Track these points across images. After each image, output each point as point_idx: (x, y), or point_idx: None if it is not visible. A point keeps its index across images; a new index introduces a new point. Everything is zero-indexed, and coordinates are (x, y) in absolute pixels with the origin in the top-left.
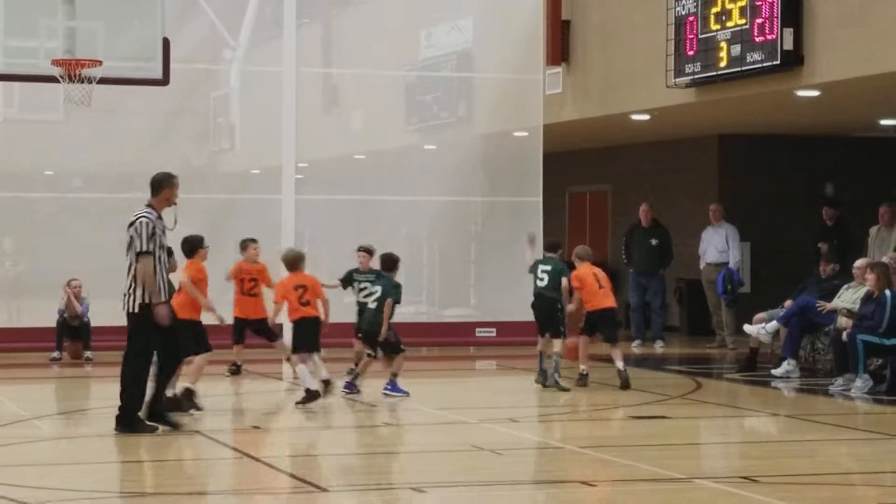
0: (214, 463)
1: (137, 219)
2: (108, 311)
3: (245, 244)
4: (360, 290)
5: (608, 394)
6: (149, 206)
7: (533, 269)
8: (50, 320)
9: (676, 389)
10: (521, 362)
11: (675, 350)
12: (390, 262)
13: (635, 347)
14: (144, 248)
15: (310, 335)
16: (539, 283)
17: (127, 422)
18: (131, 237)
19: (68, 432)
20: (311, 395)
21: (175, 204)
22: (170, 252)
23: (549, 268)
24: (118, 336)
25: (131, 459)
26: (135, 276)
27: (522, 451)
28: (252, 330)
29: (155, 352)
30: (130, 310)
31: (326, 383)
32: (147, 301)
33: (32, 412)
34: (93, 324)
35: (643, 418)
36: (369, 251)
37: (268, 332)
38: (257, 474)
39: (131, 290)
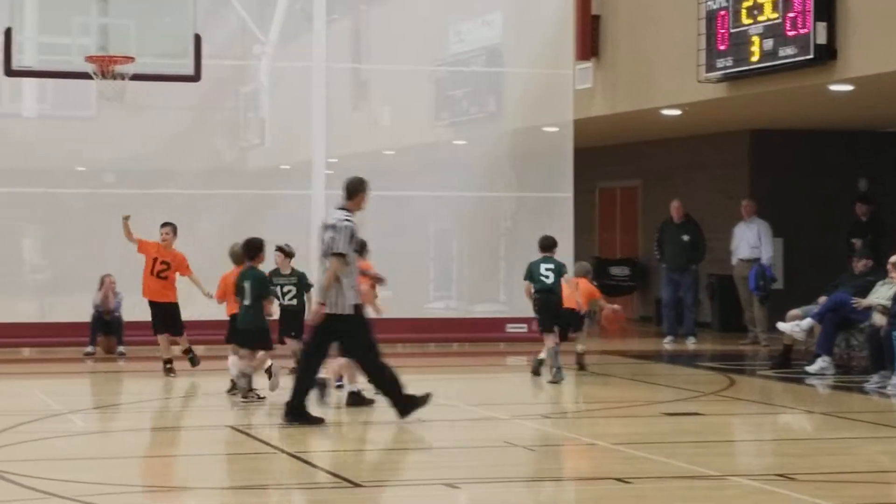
0: (249, 458)
1: (340, 221)
2: (140, 307)
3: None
4: (284, 293)
5: (641, 390)
6: (343, 209)
7: (533, 270)
8: (82, 315)
9: (709, 386)
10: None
11: (708, 346)
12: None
13: (667, 343)
14: (342, 250)
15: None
16: (545, 281)
17: (406, 407)
18: (332, 238)
19: (102, 427)
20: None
21: (363, 209)
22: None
23: (552, 266)
24: (150, 332)
25: (165, 454)
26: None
27: (555, 447)
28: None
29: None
30: (343, 311)
31: (233, 383)
32: (357, 301)
33: (67, 406)
34: (125, 319)
35: (676, 415)
36: (284, 251)
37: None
38: (292, 469)
39: (341, 292)
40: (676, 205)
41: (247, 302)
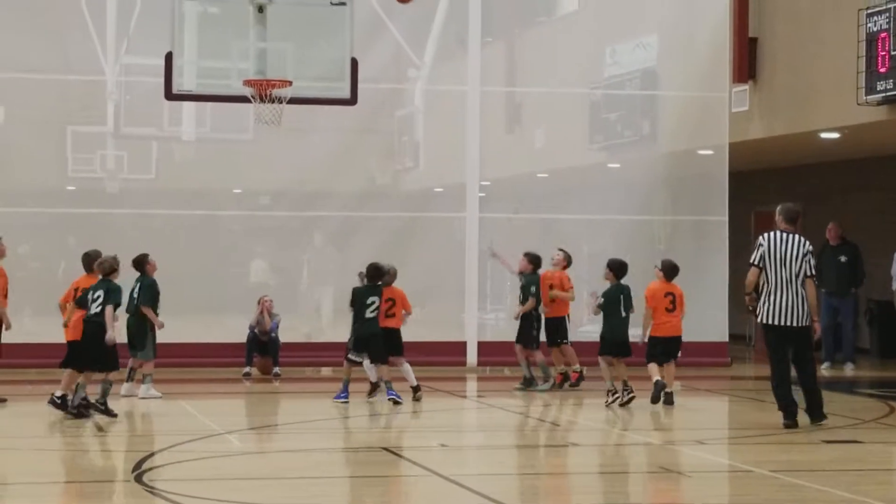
0: (404, 480)
1: (808, 246)
2: (294, 328)
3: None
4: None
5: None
6: (793, 232)
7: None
8: (239, 336)
9: (869, 413)
10: (706, 383)
11: (867, 373)
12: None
13: (825, 370)
14: (814, 273)
15: (393, 343)
16: None
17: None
18: (810, 263)
19: (259, 447)
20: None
21: None
22: None
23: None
24: (305, 352)
25: (320, 475)
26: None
27: (711, 473)
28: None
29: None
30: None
31: (415, 389)
32: None
33: (224, 427)
34: (281, 340)
35: (835, 442)
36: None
37: None
38: (446, 492)
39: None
40: (832, 227)
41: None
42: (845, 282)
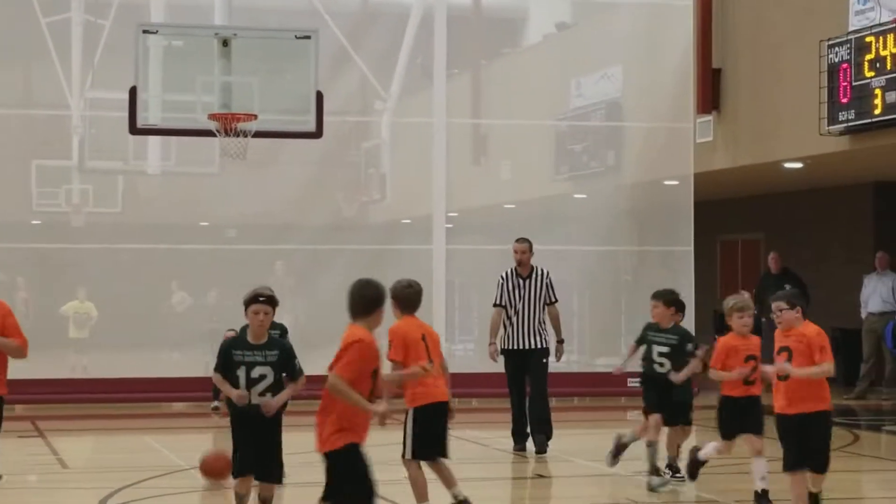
0: None
1: None
2: None
3: None
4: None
5: (767, 446)
6: None
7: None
8: (205, 370)
9: (834, 443)
10: None
11: (833, 402)
12: None
13: None
14: None
15: None
16: None
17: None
18: None
19: (227, 483)
20: None
21: None
22: None
23: None
24: None
25: None
26: None
27: None
28: None
29: None
30: None
31: None
32: None
33: (190, 462)
34: None
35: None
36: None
37: None
38: None
39: None
40: (774, 256)
41: None
42: None
